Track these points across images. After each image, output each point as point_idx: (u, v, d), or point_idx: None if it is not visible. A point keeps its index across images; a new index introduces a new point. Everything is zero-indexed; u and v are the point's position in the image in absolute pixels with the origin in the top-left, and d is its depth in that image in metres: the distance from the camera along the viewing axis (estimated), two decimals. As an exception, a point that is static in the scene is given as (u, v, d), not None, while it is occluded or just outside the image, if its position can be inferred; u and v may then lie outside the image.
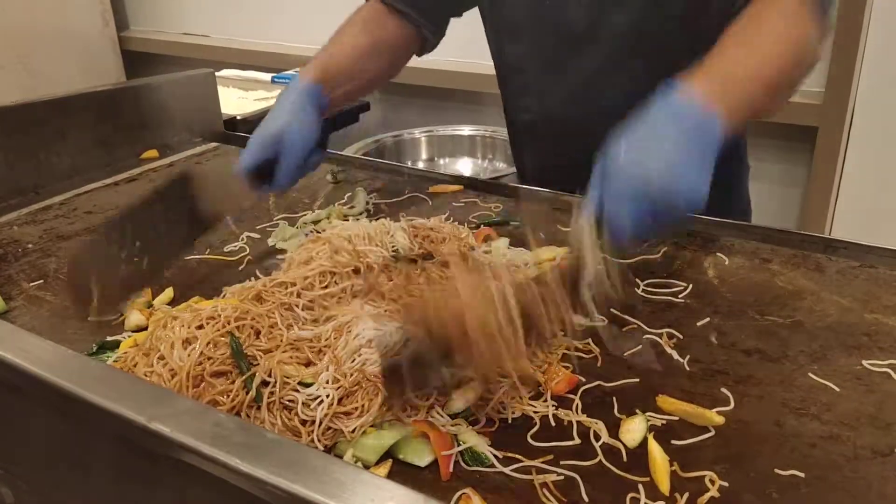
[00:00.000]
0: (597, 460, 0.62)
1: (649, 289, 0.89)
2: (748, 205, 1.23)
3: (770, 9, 0.80)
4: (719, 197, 1.16)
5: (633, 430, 0.65)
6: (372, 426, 0.65)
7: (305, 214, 1.11)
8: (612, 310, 0.84)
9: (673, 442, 0.64)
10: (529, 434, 0.65)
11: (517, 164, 1.32)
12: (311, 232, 1.04)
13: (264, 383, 0.66)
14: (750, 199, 1.24)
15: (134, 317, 0.84)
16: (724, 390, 0.71)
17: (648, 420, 0.66)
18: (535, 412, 0.68)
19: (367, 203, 1.15)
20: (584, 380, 0.72)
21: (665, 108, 0.70)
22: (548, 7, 1.04)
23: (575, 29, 1.03)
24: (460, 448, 0.63)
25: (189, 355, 0.67)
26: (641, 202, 0.66)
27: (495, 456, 0.62)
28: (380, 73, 1.14)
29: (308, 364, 0.70)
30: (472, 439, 0.64)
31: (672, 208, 0.67)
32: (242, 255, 1.00)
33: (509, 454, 0.63)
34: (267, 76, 2.28)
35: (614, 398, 0.70)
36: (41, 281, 0.95)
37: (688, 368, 0.74)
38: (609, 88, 1.04)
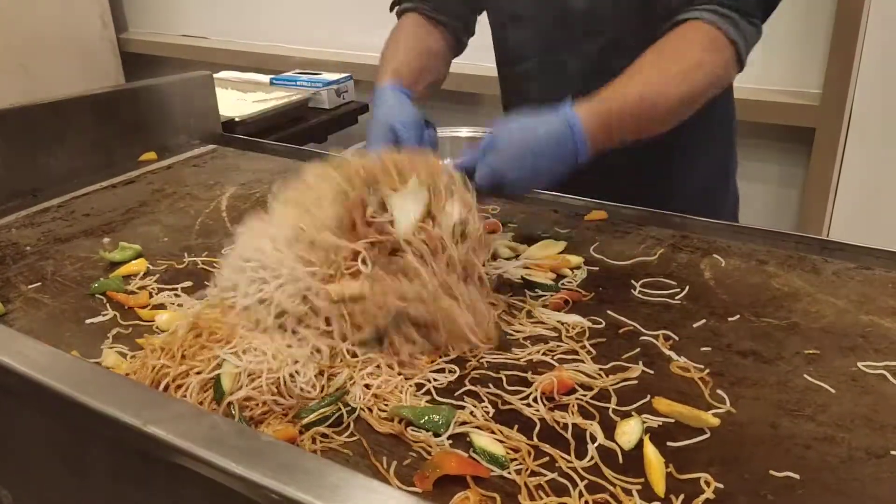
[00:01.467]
0: (592, 462, 0.62)
1: (645, 290, 0.89)
2: (737, 200, 1.25)
3: (688, 35, 0.93)
4: (713, 191, 1.18)
5: (629, 431, 0.65)
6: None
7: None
8: (608, 311, 0.84)
9: (668, 444, 0.64)
10: (525, 435, 0.66)
11: None
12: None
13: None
14: (738, 196, 1.25)
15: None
16: (719, 392, 0.71)
17: (644, 422, 0.66)
18: (530, 414, 0.68)
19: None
20: (580, 383, 0.72)
21: (551, 115, 0.89)
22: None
23: (576, 11, 1.05)
24: (477, 454, 0.63)
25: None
26: (515, 156, 0.88)
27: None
28: (439, 73, 1.19)
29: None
30: (485, 441, 0.64)
31: (536, 162, 0.88)
32: (240, 257, 1.00)
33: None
34: (265, 78, 2.28)
35: (610, 400, 0.70)
36: (39, 283, 0.95)
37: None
38: (609, 73, 1.05)
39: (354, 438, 0.66)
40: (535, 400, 0.70)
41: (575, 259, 0.95)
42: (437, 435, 0.65)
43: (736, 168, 1.25)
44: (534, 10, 1.10)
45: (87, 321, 0.86)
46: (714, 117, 1.16)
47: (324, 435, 0.66)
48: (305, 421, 0.67)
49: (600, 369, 0.74)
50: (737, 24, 0.92)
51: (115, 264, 0.99)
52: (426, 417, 0.66)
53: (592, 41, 1.07)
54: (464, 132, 2.09)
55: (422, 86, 1.12)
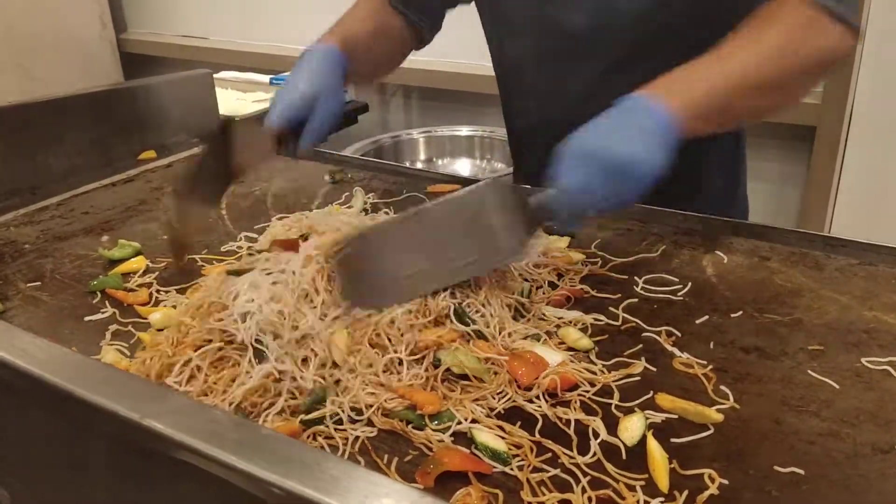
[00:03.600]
0: (595, 458, 0.62)
1: (648, 286, 0.88)
2: (746, 205, 1.23)
3: (771, 19, 0.82)
4: (721, 198, 1.16)
5: (632, 427, 0.65)
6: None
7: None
8: (610, 308, 0.84)
9: (672, 440, 0.64)
10: (527, 432, 0.65)
11: (515, 165, 1.31)
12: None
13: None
14: (747, 200, 1.24)
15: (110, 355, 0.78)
16: (723, 388, 0.70)
17: (647, 418, 0.66)
18: (532, 410, 0.68)
19: (365, 203, 1.15)
20: (582, 380, 0.72)
21: (616, 106, 0.77)
22: (549, 9, 1.03)
23: (576, 33, 1.02)
24: (478, 450, 0.63)
25: None
26: (590, 169, 0.73)
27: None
28: (389, 57, 1.13)
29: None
30: (486, 438, 0.64)
31: (619, 175, 0.72)
32: (239, 254, 1.00)
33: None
34: (265, 78, 2.28)
35: (612, 396, 0.69)
36: (38, 282, 0.94)
37: (686, 366, 0.74)
38: (612, 94, 1.03)
39: (355, 435, 0.65)
40: (537, 397, 0.69)
41: (577, 255, 0.95)
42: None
43: (744, 178, 1.20)
44: (531, 27, 1.07)
45: (86, 318, 0.85)
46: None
47: (328, 436, 0.65)
48: (307, 418, 0.66)
49: (603, 365, 0.74)
50: None
51: (114, 262, 0.98)
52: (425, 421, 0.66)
53: (594, 62, 1.03)
54: (464, 131, 2.09)
55: (363, 65, 1.01)
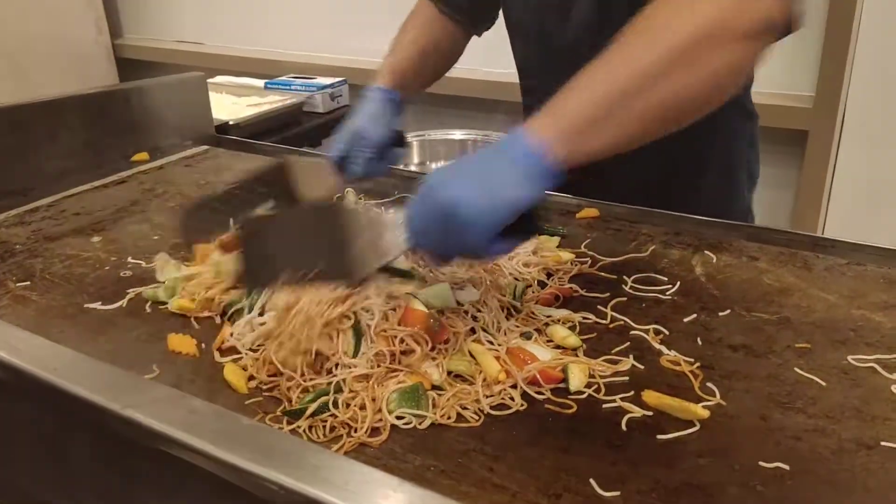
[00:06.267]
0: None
1: (637, 286, 0.89)
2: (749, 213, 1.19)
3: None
4: (720, 204, 1.14)
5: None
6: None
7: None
8: (598, 307, 0.84)
9: (658, 436, 0.64)
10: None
11: None
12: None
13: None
14: (752, 209, 1.19)
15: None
16: (709, 385, 0.70)
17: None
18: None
19: (357, 203, 1.15)
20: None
21: (487, 147, 0.72)
22: (547, 25, 1.06)
23: (561, 47, 1.05)
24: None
25: None
26: (432, 218, 0.67)
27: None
28: (442, 67, 1.22)
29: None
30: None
31: (456, 226, 0.65)
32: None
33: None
34: (260, 82, 2.28)
35: (599, 392, 0.69)
36: (28, 282, 0.94)
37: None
38: None
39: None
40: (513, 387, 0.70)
41: (566, 255, 0.95)
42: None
43: (754, 186, 1.17)
44: (537, 37, 1.11)
45: (86, 306, 0.86)
46: (719, 129, 1.09)
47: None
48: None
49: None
50: None
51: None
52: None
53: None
54: (457, 135, 2.09)
55: (415, 86, 1.14)
